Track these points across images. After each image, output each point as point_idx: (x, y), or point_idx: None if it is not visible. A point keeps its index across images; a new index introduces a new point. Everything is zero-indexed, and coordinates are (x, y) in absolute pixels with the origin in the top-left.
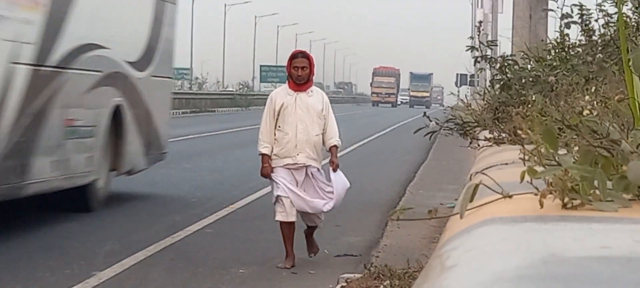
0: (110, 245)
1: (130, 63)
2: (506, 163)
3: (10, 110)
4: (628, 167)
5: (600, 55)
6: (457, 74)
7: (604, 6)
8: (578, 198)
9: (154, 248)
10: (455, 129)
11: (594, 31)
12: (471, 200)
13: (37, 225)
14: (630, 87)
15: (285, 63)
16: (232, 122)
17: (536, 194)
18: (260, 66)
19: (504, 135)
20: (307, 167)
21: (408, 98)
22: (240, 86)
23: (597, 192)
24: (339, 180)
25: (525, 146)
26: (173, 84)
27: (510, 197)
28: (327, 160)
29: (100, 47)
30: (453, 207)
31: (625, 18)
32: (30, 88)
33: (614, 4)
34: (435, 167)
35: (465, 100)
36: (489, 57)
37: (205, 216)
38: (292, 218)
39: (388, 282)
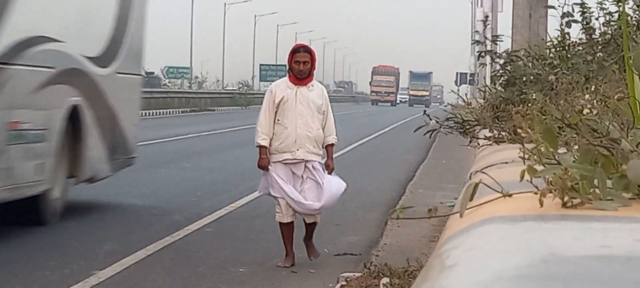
0: (110, 244)
1: (91, 58)
2: (506, 162)
3: None
4: (628, 165)
5: (600, 54)
6: (457, 73)
7: (605, 5)
8: (578, 197)
9: (153, 247)
10: (455, 128)
11: (595, 30)
12: (471, 199)
13: (37, 224)
14: (631, 85)
15: (285, 62)
16: (232, 121)
17: (536, 193)
18: (260, 65)
19: (503, 134)
20: (306, 161)
21: (407, 97)
22: (240, 85)
23: (597, 191)
24: (334, 182)
25: (525, 145)
26: (142, 82)
27: (510, 196)
28: (323, 160)
29: (53, 40)
30: (453, 206)
31: (625, 16)
32: None
33: (615, 2)
34: (435, 166)
35: (465, 99)
36: (494, 52)
37: (205, 215)
38: (288, 220)
39: (388, 280)
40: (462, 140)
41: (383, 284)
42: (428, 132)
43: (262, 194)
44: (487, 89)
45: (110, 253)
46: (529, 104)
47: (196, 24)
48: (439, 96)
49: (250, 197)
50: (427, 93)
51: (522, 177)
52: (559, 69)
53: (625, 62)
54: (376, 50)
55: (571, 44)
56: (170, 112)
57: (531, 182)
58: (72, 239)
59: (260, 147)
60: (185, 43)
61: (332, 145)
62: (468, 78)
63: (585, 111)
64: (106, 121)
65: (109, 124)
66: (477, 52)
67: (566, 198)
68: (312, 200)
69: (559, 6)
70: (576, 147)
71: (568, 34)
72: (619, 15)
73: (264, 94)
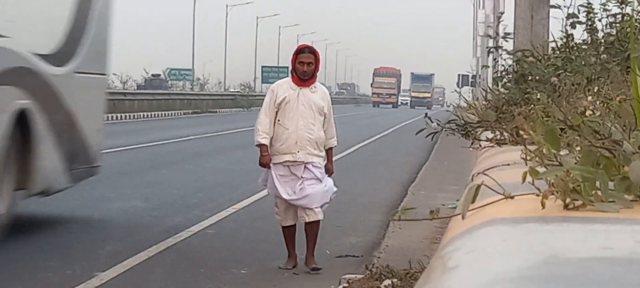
0: (112, 245)
1: (42, 56)
2: (508, 164)
3: None
4: (630, 167)
5: (604, 55)
6: (459, 75)
7: (609, 6)
8: (580, 199)
9: (155, 248)
10: (456, 130)
11: (598, 31)
12: (473, 201)
13: (38, 225)
14: (635, 87)
15: (287, 64)
16: (234, 122)
17: (538, 195)
18: (262, 67)
19: (505, 135)
20: (306, 163)
21: (409, 99)
22: (242, 87)
23: (599, 192)
24: (329, 183)
25: (527, 146)
26: (107, 82)
27: (512, 197)
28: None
29: None
30: (455, 207)
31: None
32: None
33: (619, 4)
34: (437, 168)
35: (468, 100)
36: (505, 49)
37: (207, 217)
38: (288, 223)
39: (390, 282)
40: (464, 142)
41: (385, 286)
42: (430, 133)
43: (262, 186)
44: (489, 90)
45: (112, 254)
46: (533, 105)
47: (198, 25)
48: (440, 98)
49: (252, 199)
50: (429, 95)
51: (524, 179)
52: (562, 71)
53: (632, 63)
54: (378, 51)
55: (575, 46)
56: (172, 113)
57: (533, 184)
58: (74, 240)
59: (261, 145)
60: (187, 45)
61: (331, 148)
62: (470, 80)
63: (588, 113)
64: (62, 127)
65: (66, 130)
66: (488, 47)
67: (568, 200)
68: (309, 193)
69: (564, 6)
70: (578, 148)
71: (571, 35)
72: (624, 17)
73: (265, 96)
